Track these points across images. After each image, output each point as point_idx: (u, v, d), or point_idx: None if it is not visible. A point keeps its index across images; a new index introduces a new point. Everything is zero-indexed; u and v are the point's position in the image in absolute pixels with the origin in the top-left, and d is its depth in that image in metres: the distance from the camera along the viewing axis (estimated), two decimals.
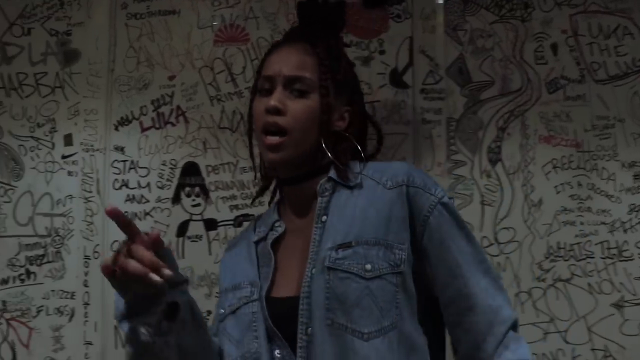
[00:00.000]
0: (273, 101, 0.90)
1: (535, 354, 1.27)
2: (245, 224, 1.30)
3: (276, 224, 0.96)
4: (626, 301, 1.26)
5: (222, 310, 0.93)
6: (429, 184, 0.90)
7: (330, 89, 0.94)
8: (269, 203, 1.05)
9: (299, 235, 0.93)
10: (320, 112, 0.92)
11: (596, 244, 1.28)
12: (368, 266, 0.86)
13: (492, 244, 1.29)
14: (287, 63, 0.92)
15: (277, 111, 0.89)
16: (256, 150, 0.96)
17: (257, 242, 0.97)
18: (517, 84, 1.31)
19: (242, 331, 0.90)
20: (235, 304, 0.92)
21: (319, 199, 0.92)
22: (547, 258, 1.28)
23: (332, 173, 0.93)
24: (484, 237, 1.29)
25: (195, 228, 1.34)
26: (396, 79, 1.31)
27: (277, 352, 0.87)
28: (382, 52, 1.31)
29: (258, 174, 1.04)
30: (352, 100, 1.00)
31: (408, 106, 1.30)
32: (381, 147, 1.03)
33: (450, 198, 0.93)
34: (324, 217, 0.91)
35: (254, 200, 1.09)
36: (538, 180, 1.30)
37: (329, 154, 0.92)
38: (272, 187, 1.05)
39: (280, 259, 0.93)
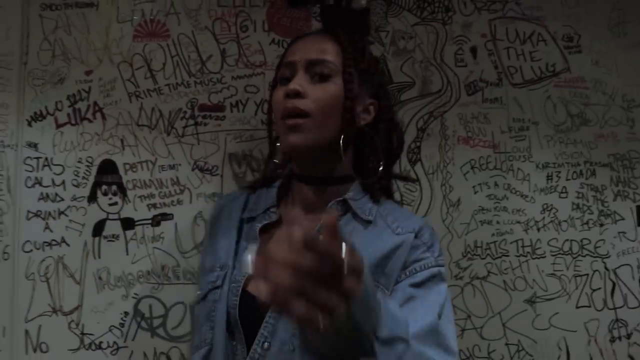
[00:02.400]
0: (292, 84, 0.90)
1: None
2: (165, 223, 1.35)
3: (271, 209, 0.97)
4: (538, 297, 1.38)
5: (199, 292, 0.95)
6: (435, 246, 0.95)
7: (354, 75, 0.93)
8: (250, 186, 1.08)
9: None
10: (344, 97, 0.92)
11: (511, 243, 1.39)
12: None
13: None
14: (308, 48, 0.93)
15: (297, 94, 0.89)
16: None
17: (244, 220, 0.98)
18: (437, 86, 1.41)
19: (203, 318, 0.92)
20: (205, 288, 0.95)
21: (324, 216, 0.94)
22: (464, 256, 1.38)
23: (350, 195, 0.95)
24: None
25: (112, 227, 1.37)
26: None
27: (234, 344, 0.89)
28: None
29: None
30: (378, 94, 1.00)
31: None
32: (400, 153, 1.04)
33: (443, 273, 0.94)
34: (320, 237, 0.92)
35: (253, 187, 1.10)
36: (456, 181, 1.39)
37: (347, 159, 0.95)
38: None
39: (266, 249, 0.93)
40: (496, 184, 1.41)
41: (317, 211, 0.96)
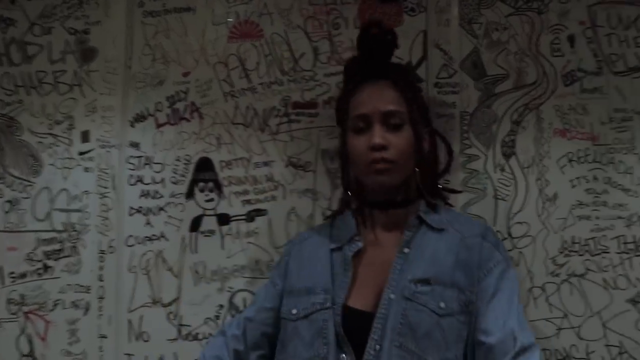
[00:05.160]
0: (378, 139, 1.12)
1: (548, 350, 1.39)
2: (259, 218, 1.45)
3: (356, 238, 1.18)
4: None
5: (295, 311, 1.16)
6: (500, 245, 1.22)
7: (418, 119, 1.19)
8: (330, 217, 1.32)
9: (379, 256, 1.17)
10: (414, 140, 1.17)
11: (612, 239, 1.41)
12: (442, 304, 1.10)
13: (505, 239, 1.42)
14: (380, 100, 1.15)
15: (382, 147, 1.12)
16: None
17: (332, 250, 1.19)
18: (532, 77, 1.44)
19: (313, 335, 1.11)
20: (309, 308, 1.14)
21: (406, 232, 1.17)
22: (561, 253, 1.41)
23: (421, 211, 1.19)
24: (497, 231, 1.42)
25: (209, 223, 1.50)
26: (410, 72, 1.44)
27: (342, 356, 1.08)
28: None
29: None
30: (429, 120, 1.26)
31: None
32: (452, 160, 1.31)
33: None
34: (406, 250, 1.15)
35: (332, 217, 1.31)
36: (553, 174, 1.42)
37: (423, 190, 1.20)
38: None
39: (358, 272, 1.15)
40: (595, 178, 1.42)
41: (394, 230, 1.19)
